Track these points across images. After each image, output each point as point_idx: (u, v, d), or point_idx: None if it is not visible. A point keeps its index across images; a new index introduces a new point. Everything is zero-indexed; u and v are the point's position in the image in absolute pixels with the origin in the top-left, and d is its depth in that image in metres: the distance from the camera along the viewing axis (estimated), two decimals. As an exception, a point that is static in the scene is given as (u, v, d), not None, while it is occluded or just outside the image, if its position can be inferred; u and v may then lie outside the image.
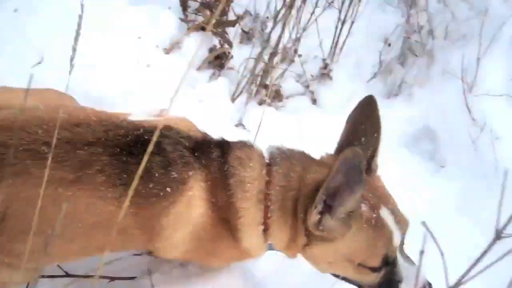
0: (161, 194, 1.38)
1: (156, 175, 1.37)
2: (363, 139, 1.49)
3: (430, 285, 1.47)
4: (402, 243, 1.48)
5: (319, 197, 1.33)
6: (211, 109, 2.75)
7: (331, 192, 1.32)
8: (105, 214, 1.34)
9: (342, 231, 1.39)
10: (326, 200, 1.35)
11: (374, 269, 1.46)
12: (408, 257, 1.49)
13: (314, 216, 1.37)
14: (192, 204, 1.42)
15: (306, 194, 1.40)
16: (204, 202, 1.44)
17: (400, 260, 1.46)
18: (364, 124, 1.51)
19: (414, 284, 1.42)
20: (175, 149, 1.43)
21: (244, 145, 1.54)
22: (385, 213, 1.41)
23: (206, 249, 1.53)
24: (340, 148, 1.53)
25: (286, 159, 1.50)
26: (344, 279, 1.56)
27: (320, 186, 1.32)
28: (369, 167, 1.50)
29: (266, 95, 2.85)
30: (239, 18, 3.13)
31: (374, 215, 1.40)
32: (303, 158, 1.54)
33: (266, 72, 2.89)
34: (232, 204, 1.44)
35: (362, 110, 1.53)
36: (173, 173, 1.39)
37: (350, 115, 1.56)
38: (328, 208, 1.36)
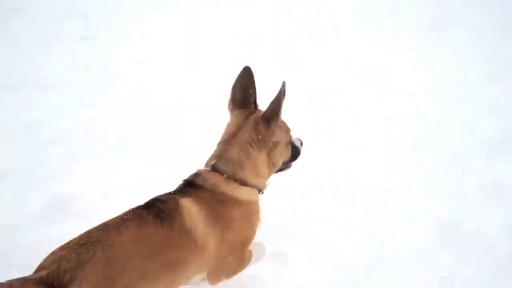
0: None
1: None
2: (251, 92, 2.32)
3: (301, 142, 2.55)
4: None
5: (271, 113, 2.18)
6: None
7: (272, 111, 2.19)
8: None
9: (279, 136, 2.30)
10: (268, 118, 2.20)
11: (289, 144, 2.45)
12: (296, 138, 2.53)
13: (267, 130, 2.20)
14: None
15: (252, 133, 2.23)
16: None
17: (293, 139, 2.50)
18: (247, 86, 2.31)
19: (298, 143, 2.52)
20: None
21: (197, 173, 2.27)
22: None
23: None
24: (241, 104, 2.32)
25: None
26: (282, 168, 2.46)
27: (258, 118, 2.22)
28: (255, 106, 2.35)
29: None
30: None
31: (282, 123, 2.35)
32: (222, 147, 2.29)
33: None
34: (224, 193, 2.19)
35: (242, 78, 2.30)
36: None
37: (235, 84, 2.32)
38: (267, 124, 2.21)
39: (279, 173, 2.49)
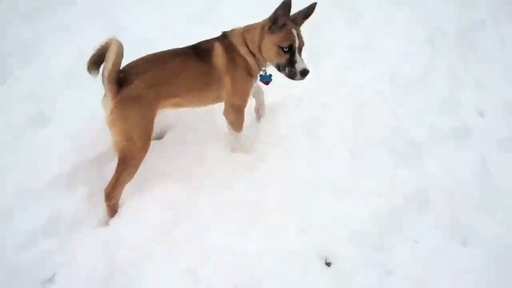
0: None
1: None
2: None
3: (307, 71, 3.19)
4: (300, 50, 3.23)
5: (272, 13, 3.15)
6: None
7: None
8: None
9: (278, 30, 3.17)
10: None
11: (285, 51, 3.19)
12: (301, 58, 3.21)
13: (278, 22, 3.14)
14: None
15: (265, 22, 3.27)
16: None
17: (297, 56, 3.20)
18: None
19: (300, 66, 3.19)
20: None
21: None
22: (293, 31, 3.18)
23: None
24: None
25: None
26: (277, 68, 3.30)
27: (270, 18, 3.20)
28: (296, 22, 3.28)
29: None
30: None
31: (288, 30, 3.16)
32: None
33: None
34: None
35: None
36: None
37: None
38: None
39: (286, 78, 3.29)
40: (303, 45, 3.25)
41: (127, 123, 2.97)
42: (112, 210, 3.11)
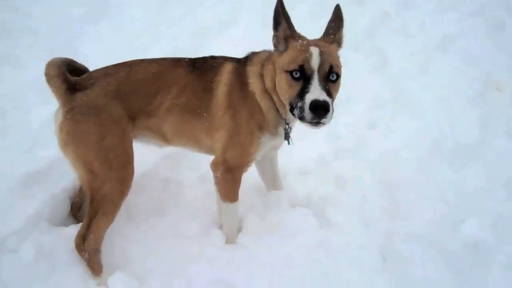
0: None
1: None
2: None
3: (319, 104, 2.09)
4: (323, 75, 2.20)
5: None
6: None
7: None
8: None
9: (285, 46, 2.32)
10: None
11: (294, 77, 2.20)
12: (321, 86, 2.16)
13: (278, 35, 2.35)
14: None
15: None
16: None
17: (314, 83, 2.16)
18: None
19: (310, 97, 2.12)
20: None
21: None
22: (313, 49, 2.22)
23: None
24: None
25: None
26: (291, 110, 2.28)
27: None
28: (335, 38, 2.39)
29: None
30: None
31: (304, 45, 2.25)
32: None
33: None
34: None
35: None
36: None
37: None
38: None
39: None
40: (329, 68, 2.20)
41: (83, 144, 2.23)
42: (93, 264, 2.33)
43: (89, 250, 2.30)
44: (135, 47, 4.25)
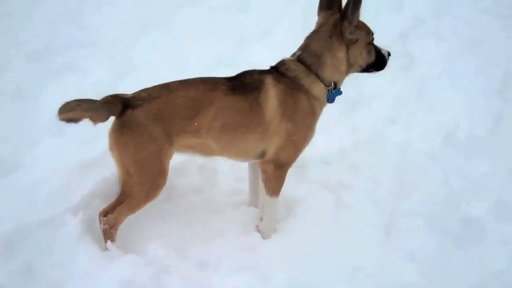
0: None
1: None
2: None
3: (389, 53, 2.87)
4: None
5: (349, 11, 2.58)
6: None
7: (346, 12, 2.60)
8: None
9: (357, 34, 2.68)
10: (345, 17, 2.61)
11: (372, 44, 2.80)
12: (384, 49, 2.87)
13: (346, 25, 2.61)
14: None
15: (333, 28, 2.66)
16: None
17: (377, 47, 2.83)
18: None
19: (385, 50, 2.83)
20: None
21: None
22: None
23: None
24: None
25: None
26: (366, 68, 2.84)
27: (337, 19, 2.65)
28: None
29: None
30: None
31: (360, 21, 2.70)
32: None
33: None
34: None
35: None
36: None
37: None
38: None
39: (364, 73, 2.85)
40: None
41: (124, 151, 2.63)
42: (107, 234, 2.71)
43: (107, 224, 2.68)
44: (183, 54, 4.73)
